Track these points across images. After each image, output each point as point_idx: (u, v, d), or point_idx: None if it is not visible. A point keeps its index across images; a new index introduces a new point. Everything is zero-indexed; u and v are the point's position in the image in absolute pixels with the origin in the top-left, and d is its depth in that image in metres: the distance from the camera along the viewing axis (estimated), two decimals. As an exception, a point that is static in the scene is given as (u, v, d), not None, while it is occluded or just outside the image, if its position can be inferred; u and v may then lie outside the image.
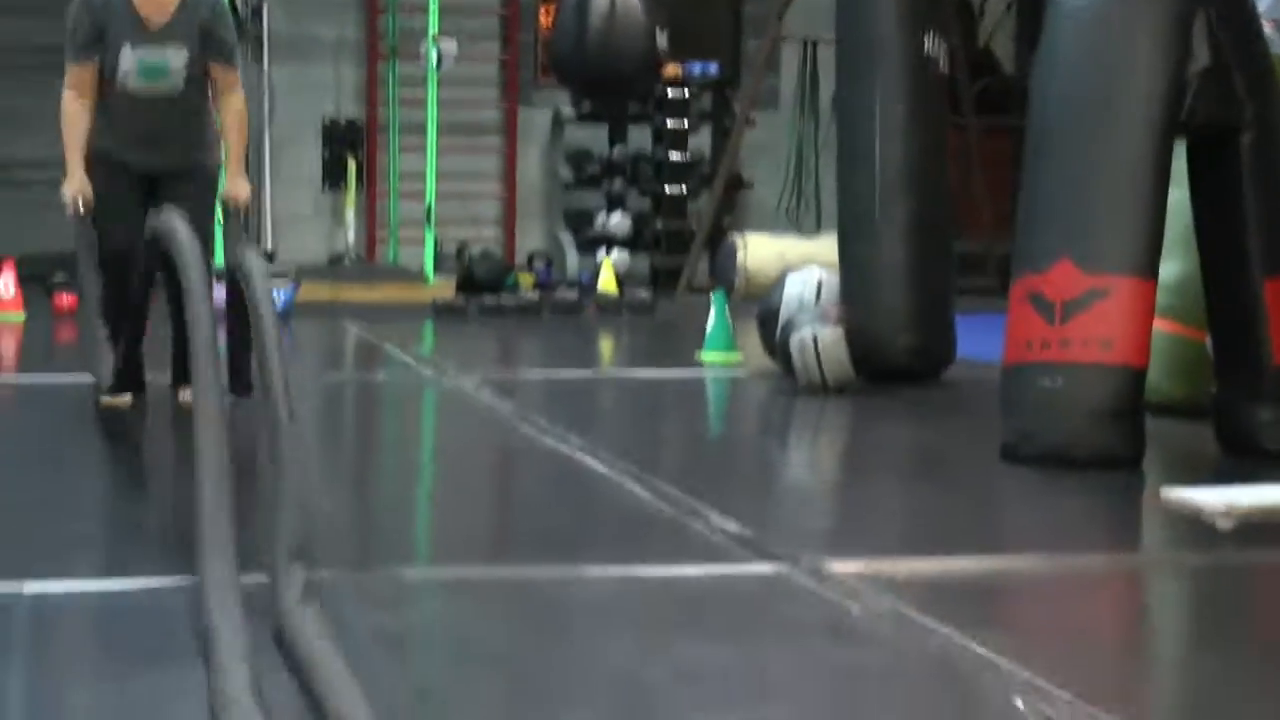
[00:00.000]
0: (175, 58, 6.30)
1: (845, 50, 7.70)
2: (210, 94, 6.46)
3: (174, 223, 5.40)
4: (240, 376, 6.41)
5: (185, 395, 6.60)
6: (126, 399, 6.58)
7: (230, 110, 6.40)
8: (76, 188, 6.37)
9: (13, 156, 12.93)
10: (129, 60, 6.26)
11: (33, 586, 3.88)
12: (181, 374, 6.63)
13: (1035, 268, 5.59)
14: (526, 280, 12.89)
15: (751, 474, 5.87)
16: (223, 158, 6.57)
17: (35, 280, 10.53)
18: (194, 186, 6.42)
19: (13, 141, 12.85)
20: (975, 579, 4.19)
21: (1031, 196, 5.70)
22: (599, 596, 3.97)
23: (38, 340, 9.28)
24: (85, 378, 6.82)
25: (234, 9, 11.50)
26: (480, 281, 12.52)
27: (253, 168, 12.22)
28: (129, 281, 6.39)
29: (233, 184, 6.40)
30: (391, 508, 5.22)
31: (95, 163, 6.36)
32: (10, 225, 12.66)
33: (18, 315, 9.94)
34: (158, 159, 6.38)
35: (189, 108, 6.43)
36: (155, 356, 6.57)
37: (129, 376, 6.55)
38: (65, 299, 10.14)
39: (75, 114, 6.37)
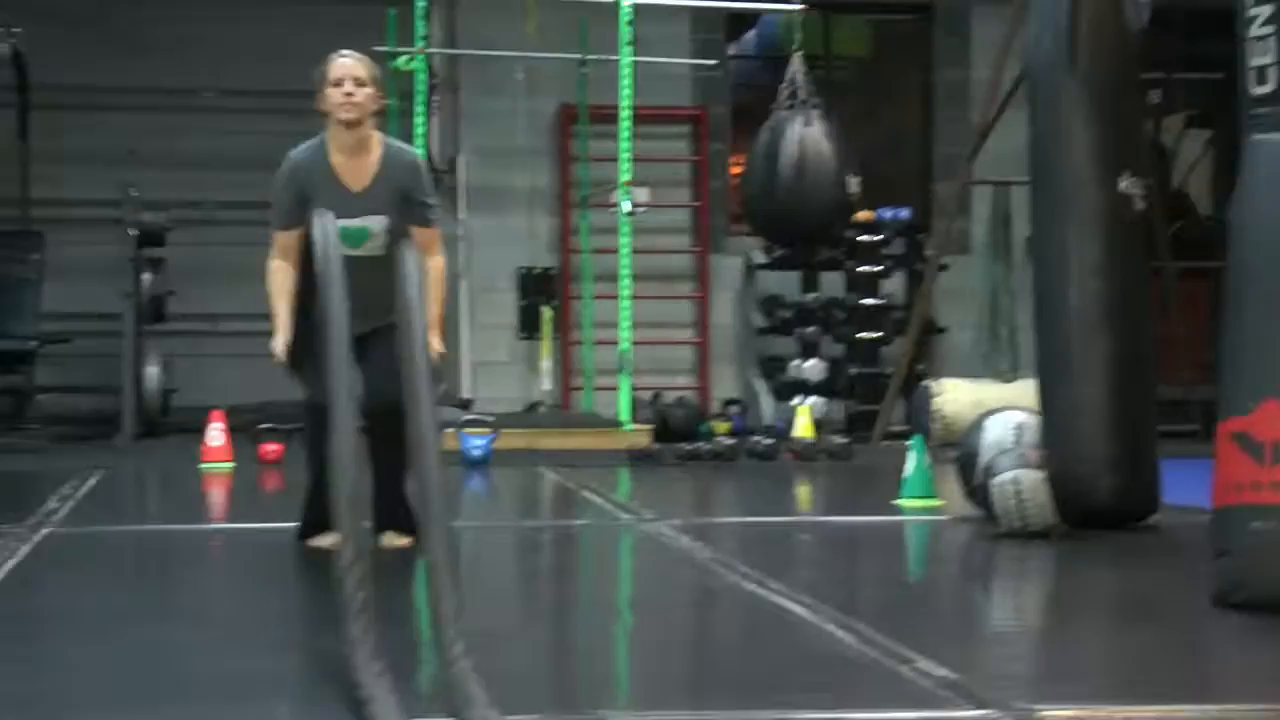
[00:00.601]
0: (376, 223, 6.46)
1: (1038, 191, 7.67)
2: None
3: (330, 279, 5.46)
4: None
5: (388, 538, 6.71)
6: (330, 540, 6.66)
7: (429, 269, 6.49)
8: (285, 341, 6.51)
9: (221, 310, 13.30)
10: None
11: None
12: (382, 519, 6.74)
13: (1241, 409, 5.48)
14: (721, 427, 12.91)
15: (956, 618, 5.79)
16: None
17: (242, 430, 10.76)
18: (394, 347, 6.53)
19: (222, 296, 13.22)
20: (1192, 726, 4.08)
21: (1235, 337, 5.60)
22: (806, 742, 3.93)
23: (245, 488, 9.47)
24: (291, 525, 6.94)
25: (430, 163, 11.78)
26: (675, 428, 12.58)
27: (451, 316, 12.46)
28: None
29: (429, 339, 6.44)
30: (591, 650, 5.22)
31: (300, 317, 6.49)
32: (218, 376, 13.00)
33: (226, 465, 10.15)
34: (361, 321, 6.51)
35: (391, 268, 6.55)
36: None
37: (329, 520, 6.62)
38: (271, 448, 10.35)
39: (279, 269, 6.55)
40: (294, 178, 6.46)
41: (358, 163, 6.48)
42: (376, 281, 6.54)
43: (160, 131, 12.94)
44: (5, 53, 11.91)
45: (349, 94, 6.40)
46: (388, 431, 6.65)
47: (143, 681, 4.52)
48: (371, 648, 4.07)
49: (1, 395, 11.94)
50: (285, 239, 6.51)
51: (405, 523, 6.74)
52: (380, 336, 6.51)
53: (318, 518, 6.69)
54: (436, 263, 6.56)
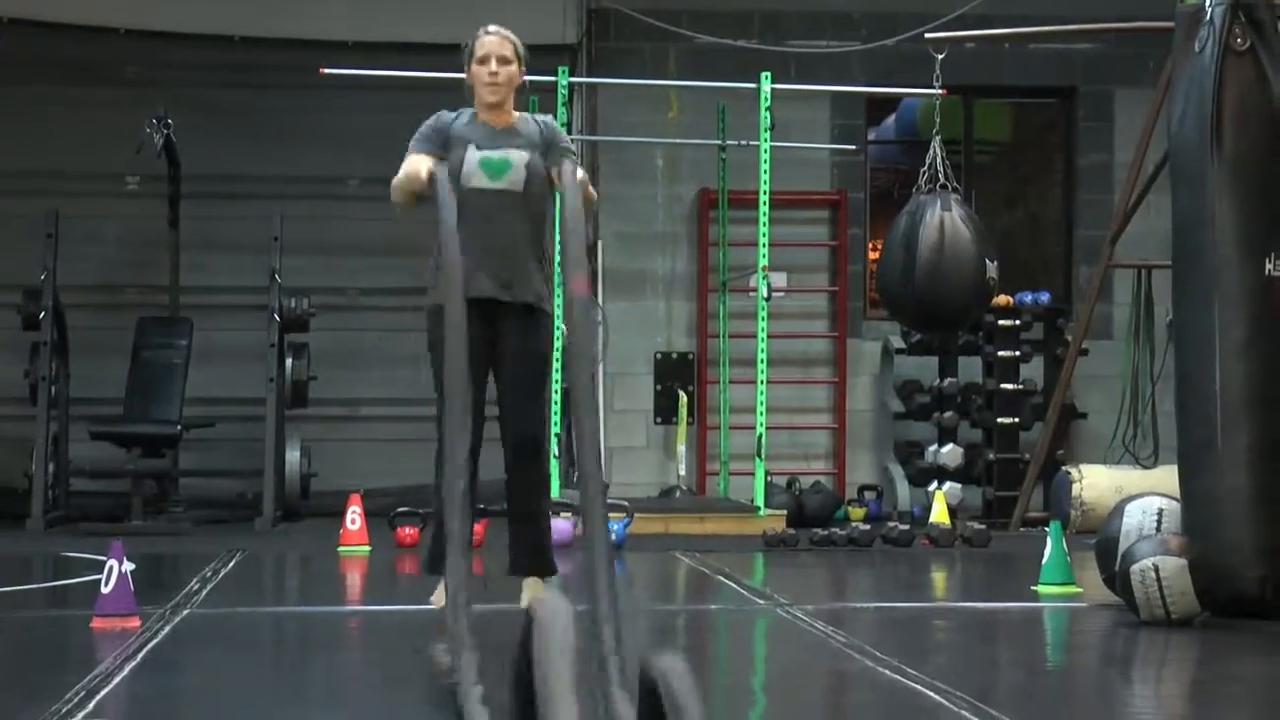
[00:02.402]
0: (517, 155, 6.54)
1: (1182, 274, 7.58)
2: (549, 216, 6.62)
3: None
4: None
5: (527, 597, 6.69)
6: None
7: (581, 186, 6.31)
8: (425, 164, 6.37)
9: (359, 395, 13.45)
10: (473, 159, 6.50)
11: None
12: (517, 562, 6.73)
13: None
14: (857, 513, 12.83)
15: (1096, 708, 5.68)
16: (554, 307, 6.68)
17: (379, 514, 10.86)
18: (528, 335, 6.51)
19: (362, 381, 13.38)
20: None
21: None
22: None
23: (382, 571, 9.53)
24: (426, 607, 6.98)
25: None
26: (810, 513, 12.52)
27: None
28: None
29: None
30: (725, 737, 5.19)
31: (433, 318, 6.47)
32: (357, 461, 13.14)
33: (364, 548, 10.24)
34: (503, 272, 6.48)
35: (529, 212, 6.57)
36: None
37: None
38: (407, 532, 10.42)
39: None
40: (438, 120, 6.65)
41: (501, 117, 6.64)
42: (515, 227, 6.54)
43: (306, 219, 13.15)
44: (158, 143, 12.17)
45: (494, 73, 6.56)
46: (527, 465, 6.66)
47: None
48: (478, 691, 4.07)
49: (146, 479, 12.13)
50: (414, 161, 6.55)
51: (543, 567, 6.71)
52: (515, 335, 6.48)
53: (443, 550, 6.68)
54: (586, 184, 6.44)
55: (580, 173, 6.42)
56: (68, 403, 12.55)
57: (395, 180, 6.50)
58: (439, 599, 6.69)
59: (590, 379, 5.03)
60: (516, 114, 6.73)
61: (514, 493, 6.70)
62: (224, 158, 13.37)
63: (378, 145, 13.24)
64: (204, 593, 8.05)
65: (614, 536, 10.31)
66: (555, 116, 11.74)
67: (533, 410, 6.70)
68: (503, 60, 6.59)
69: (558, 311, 6.78)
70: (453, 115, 6.72)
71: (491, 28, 6.69)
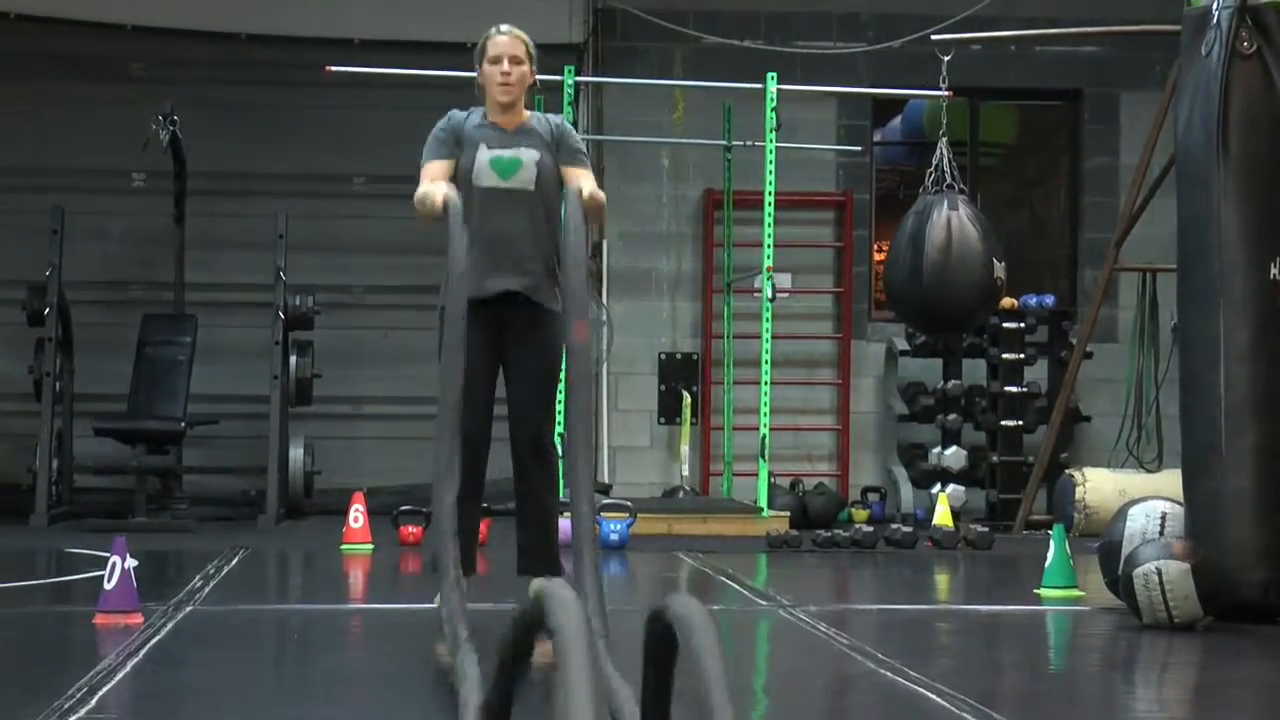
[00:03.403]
0: (528, 155, 6.54)
1: (1187, 277, 7.57)
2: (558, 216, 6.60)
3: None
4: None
5: (534, 590, 6.71)
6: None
7: (592, 192, 6.39)
8: (442, 190, 6.30)
9: (363, 393, 13.45)
10: (484, 158, 6.51)
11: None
12: (526, 560, 6.74)
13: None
14: (860, 515, 12.83)
15: (1097, 710, 5.68)
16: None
17: (383, 512, 10.86)
18: (537, 342, 6.54)
19: (366, 379, 13.39)
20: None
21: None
22: (940, 833, 3.87)
23: (385, 570, 9.54)
24: (431, 605, 6.97)
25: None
26: (814, 515, 12.51)
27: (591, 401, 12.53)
28: (473, 467, 6.52)
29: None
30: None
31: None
32: (360, 459, 13.14)
33: (367, 546, 10.24)
34: (514, 269, 6.49)
35: (540, 211, 6.58)
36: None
37: (465, 567, 6.66)
38: (410, 530, 10.43)
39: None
40: (450, 121, 6.65)
41: (512, 116, 6.64)
42: (525, 225, 6.55)
43: (311, 217, 13.15)
44: (164, 139, 12.18)
45: (506, 74, 6.56)
46: (535, 465, 6.67)
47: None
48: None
49: (150, 475, 12.14)
50: (435, 167, 6.57)
51: (551, 567, 6.72)
52: (525, 336, 6.49)
53: (464, 553, 6.70)
54: (595, 189, 6.47)
55: (589, 185, 6.44)
56: (72, 399, 12.56)
57: (416, 196, 6.49)
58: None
59: (588, 425, 5.07)
60: (528, 113, 6.73)
61: (522, 494, 6.72)
62: (230, 155, 13.38)
63: (384, 143, 13.37)
64: (207, 590, 8.05)
65: (617, 537, 10.32)
66: (563, 116, 11.79)
67: (541, 411, 6.72)
68: (515, 60, 6.59)
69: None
70: (464, 115, 6.72)
71: (504, 27, 6.69)
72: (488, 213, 6.47)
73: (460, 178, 6.52)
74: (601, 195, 6.55)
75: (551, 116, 6.82)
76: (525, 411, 6.64)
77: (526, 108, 6.78)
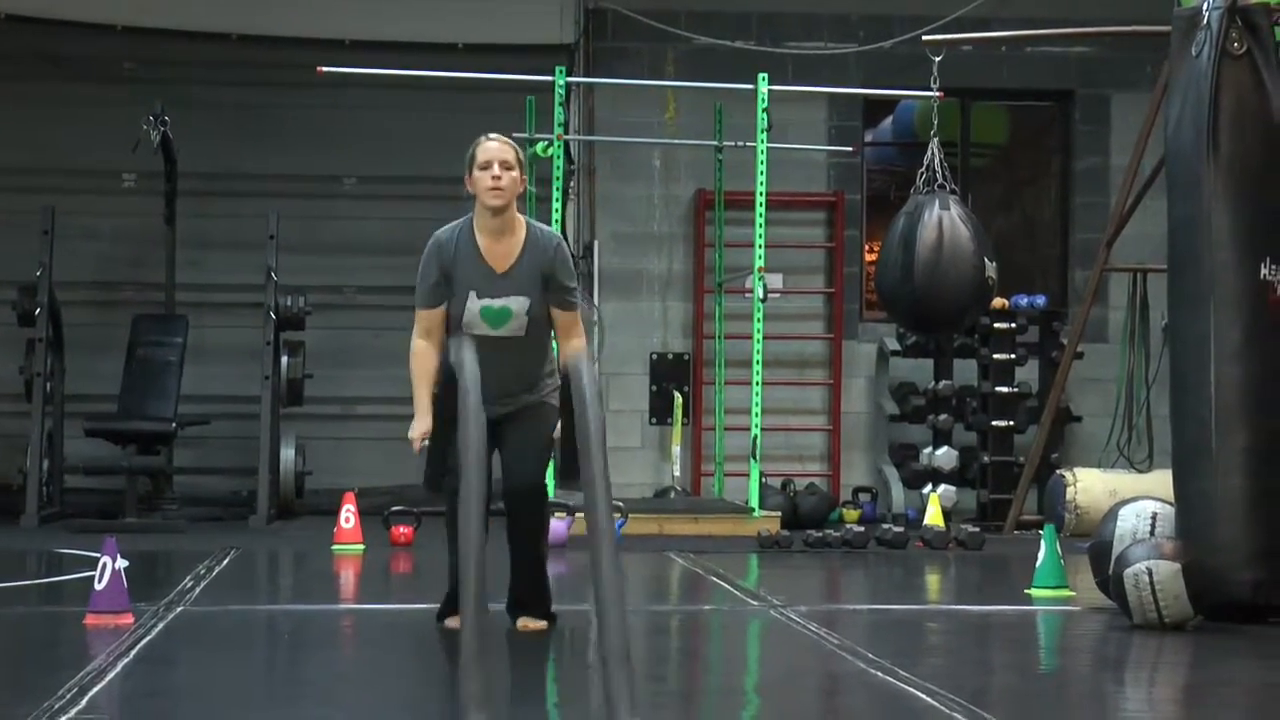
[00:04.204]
0: (518, 304, 6.52)
1: (1177, 278, 7.58)
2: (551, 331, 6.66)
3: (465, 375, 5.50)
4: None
5: (523, 622, 6.75)
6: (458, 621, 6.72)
7: (570, 353, 6.51)
8: (423, 429, 6.55)
9: (354, 393, 13.44)
10: (474, 309, 6.51)
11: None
12: (518, 602, 6.78)
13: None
14: (851, 515, 12.83)
15: (1087, 710, 5.69)
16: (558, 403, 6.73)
17: (374, 513, 10.86)
18: (533, 418, 6.61)
19: (357, 380, 13.37)
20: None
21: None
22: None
23: (376, 570, 9.54)
24: (421, 606, 6.99)
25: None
26: (805, 515, 12.51)
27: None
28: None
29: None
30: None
31: (442, 402, 6.55)
32: (351, 459, 13.14)
33: (358, 546, 10.23)
34: (505, 403, 6.56)
35: (531, 350, 6.63)
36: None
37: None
38: (401, 531, 10.42)
39: (423, 353, 6.59)
40: (440, 256, 6.56)
41: (502, 244, 6.56)
42: (515, 363, 6.61)
43: (302, 217, 13.14)
44: (155, 140, 12.16)
45: (496, 178, 6.50)
46: (527, 512, 6.71)
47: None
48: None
49: (141, 476, 12.12)
50: (429, 317, 6.59)
51: (541, 607, 6.78)
52: (518, 418, 6.56)
53: (457, 600, 6.75)
54: (577, 345, 6.59)
55: (579, 343, 6.52)
56: (63, 399, 12.54)
57: (411, 363, 6.61)
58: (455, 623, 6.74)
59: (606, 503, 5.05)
60: (522, 223, 6.62)
61: (514, 538, 6.75)
62: (221, 155, 13.36)
63: (375, 144, 13.37)
64: (197, 590, 8.05)
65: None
66: (553, 116, 11.79)
67: (535, 464, 6.75)
68: (505, 165, 6.54)
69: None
70: (452, 242, 6.57)
71: (493, 136, 6.66)
72: (479, 354, 6.49)
73: (451, 319, 6.56)
74: (583, 349, 6.52)
75: (547, 236, 6.66)
76: (518, 464, 6.69)
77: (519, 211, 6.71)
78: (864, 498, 13.31)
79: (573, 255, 12.55)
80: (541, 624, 6.78)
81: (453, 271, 6.54)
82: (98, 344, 12.93)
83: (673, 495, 12.87)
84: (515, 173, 6.56)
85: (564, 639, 6.79)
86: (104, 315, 13.22)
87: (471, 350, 5.51)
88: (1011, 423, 13.06)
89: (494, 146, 6.58)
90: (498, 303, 6.52)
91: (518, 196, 6.61)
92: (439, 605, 6.84)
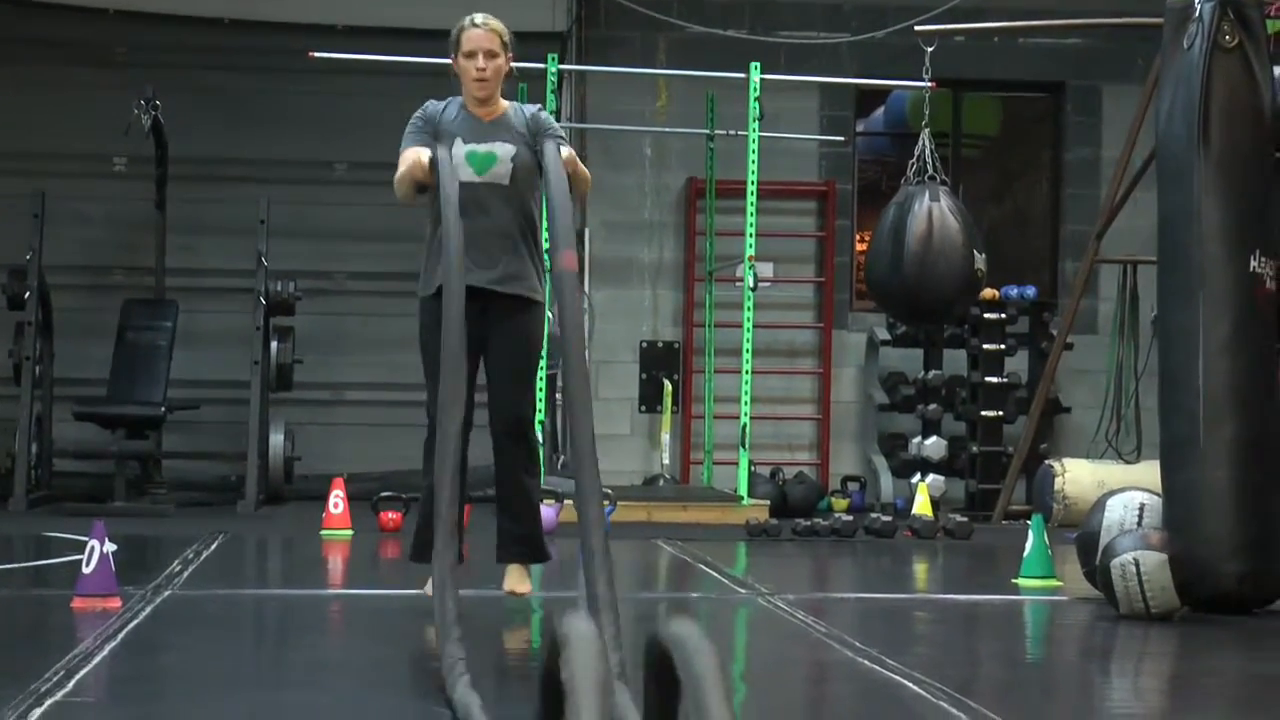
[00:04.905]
0: (503, 150, 6.53)
1: (1167, 270, 7.60)
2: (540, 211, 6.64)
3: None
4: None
5: (510, 582, 6.74)
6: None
7: (576, 179, 6.42)
8: (425, 152, 6.39)
9: (343, 379, 13.44)
10: (460, 153, 6.50)
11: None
12: (506, 544, 6.76)
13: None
14: (840, 504, 12.85)
15: (1073, 700, 5.70)
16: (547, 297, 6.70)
17: (362, 498, 10.86)
18: (519, 329, 6.54)
19: (347, 365, 13.38)
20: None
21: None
22: (915, 820, 3.88)
23: (364, 555, 9.54)
24: (409, 591, 6.99)
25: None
26: (794, 504, 12.53)
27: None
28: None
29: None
30: (704, 725, 5.19)
31: (426, 309, 6.51)
32: (340, 445, 13.14)
33: (346, 532, 10.24)
34: (492, 264, 6.49)
35: (517, 206, 6.58)
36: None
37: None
38: (390, 517, 10.43)
39: (408, 155, 6.50)
40: (426, 111, 6.66)
41: (489, 109, 6.63)
42: (501, 222, 6.55)
43: (293, 203, 13.13)
44: (145, 124, 12.15)
45: (481, 69, 6.53)
46: (513, 446, 6.68)
47: (255, 742, 4.56)
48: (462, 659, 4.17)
49: (130, 460, 12.12)
50: (411, 153, 6.53)
51: (531, 547, 6.74)
52: (505, 319, 6.49)
53: (430, 538, 6.74)
54: (584, 172, 6.53)
55: (568, 150, 6.46)
56: (52, 383, 12.53)
57: (397, 174, 6.49)
58: (430, 588, 6.73)
59: (581, 357, 5.06)
60: (505, 103, 6.71)
61: (502, 477, 6.72)
62: (212, 140, 13.36)
63: (366, 129, 13.34)
64: (186, 574, 8.05)
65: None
66: (544, 105, 11.78)
67: (521, 395, 6.72)
68: (490, 54, 6.55)
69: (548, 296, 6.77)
70: (441, 105, 6.70)
71: (478, 18, 6.64)
72: (464, 207, 6.43)
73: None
74: (584, 169, 6.56)
75: (528, 107, 6.79)
76: (504, 396, 6.65)
77: (505, 97, 6.77)
78: (853, 487, 13.33)
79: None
80: (528, 588, 6.78)
81: (439, 124, 6.57)
82: (87, 328, 12.92)
83: (662, 483, 12.88)
84: (500, 60, 6.58)
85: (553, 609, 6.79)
86: (94, 300, 13.21)
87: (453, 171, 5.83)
88: (1000, 413, 13.08)
89: (479, 35, 6.58)
90: (483, 147, 6.53)
91: (504, 79, 6.66)
92: (412, 545, 6.84)
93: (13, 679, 5.12)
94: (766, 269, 12.88)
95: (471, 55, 6.55)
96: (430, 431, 6.48)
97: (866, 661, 5.90)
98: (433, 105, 6.71)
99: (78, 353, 12.83)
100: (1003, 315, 13.15)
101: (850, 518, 10.91)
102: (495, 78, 6.57)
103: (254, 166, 13.41)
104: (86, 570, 6.82)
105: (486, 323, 6.54)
